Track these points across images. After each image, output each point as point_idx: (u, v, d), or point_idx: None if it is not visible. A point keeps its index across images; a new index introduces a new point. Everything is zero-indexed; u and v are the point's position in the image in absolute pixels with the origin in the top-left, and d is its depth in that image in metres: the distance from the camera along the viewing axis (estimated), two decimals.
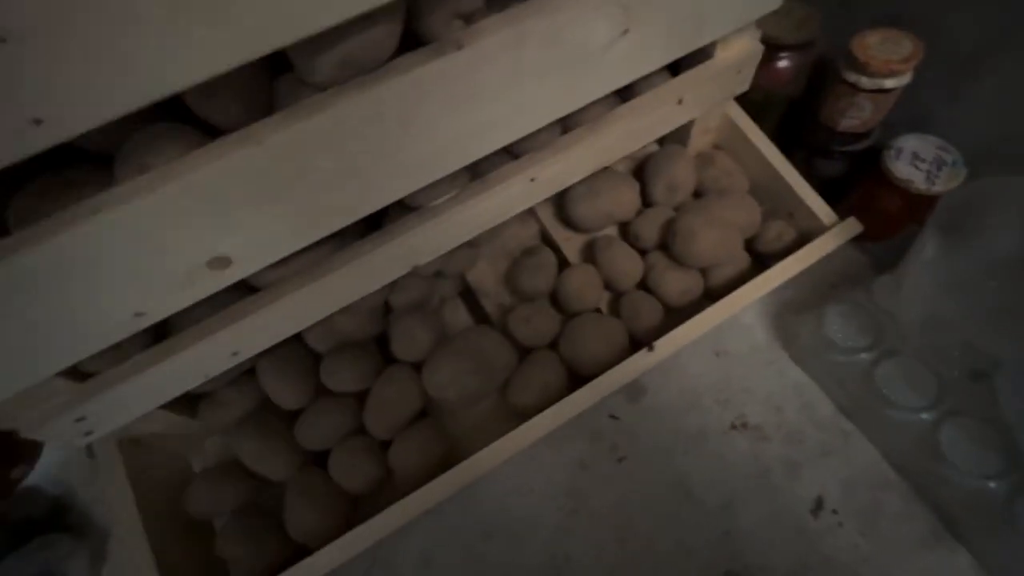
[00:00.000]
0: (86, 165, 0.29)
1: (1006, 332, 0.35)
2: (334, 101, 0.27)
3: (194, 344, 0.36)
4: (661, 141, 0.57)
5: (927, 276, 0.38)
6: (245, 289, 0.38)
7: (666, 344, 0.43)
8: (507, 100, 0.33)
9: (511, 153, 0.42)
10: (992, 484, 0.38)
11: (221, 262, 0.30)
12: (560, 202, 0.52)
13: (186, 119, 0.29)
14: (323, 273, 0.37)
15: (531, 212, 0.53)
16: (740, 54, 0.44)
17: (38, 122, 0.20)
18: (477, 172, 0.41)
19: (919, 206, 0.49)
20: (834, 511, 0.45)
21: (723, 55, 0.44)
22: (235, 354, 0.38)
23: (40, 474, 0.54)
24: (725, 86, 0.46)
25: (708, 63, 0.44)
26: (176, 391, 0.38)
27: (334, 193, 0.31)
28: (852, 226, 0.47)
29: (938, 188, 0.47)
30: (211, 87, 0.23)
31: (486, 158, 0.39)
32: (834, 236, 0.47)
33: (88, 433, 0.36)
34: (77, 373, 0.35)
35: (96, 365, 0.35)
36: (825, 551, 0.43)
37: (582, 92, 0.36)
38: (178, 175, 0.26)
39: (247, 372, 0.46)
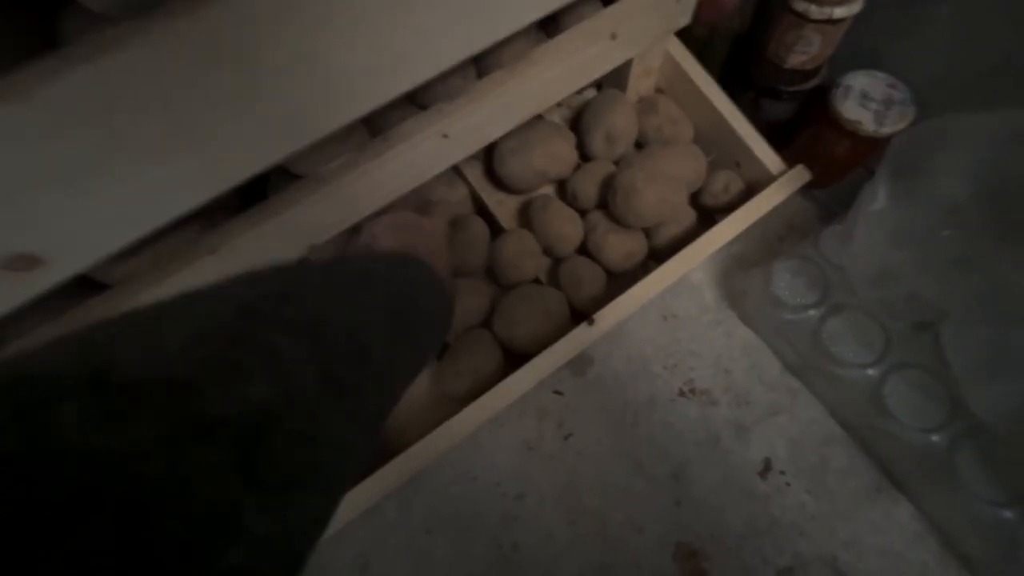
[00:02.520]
0: None
1: (958, 283, 0.33)
2: (132, 36, 0.19)
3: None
4: (599, 87, 0.51)
5: (877, 226, 0.35)
6: (93, 288, 0.31)
7: (609, 315, 0.40)
8: (398, 30, 0.26)
9: (417, 104, 0.35)
10: (934, 437, 0.38)
11: (25, 261, 0.23)
12: (489, 159, 0.45)
13: None
14: (188, 261, 0.30)
15: (457, 172, 0.47)
16: None
17: None
18: (376, 129, 0.34)
19: (867, 149, 0.46)
20: (781, 472, 0.44)
21: None
22: None
23: None
24: (664, 17, 0.40)
25: None
26: None
27: (167, 165, 0.24)
28: (800, 175, 0.44)
29: (887, 129, 0.44)
30: None
31: (386, 111, 0.32)
32: (782, 186, 0.44)
33: None
34: None
35: None
36: (774, 512, 0.43)
37: (495, 20, 0.30)
38: None
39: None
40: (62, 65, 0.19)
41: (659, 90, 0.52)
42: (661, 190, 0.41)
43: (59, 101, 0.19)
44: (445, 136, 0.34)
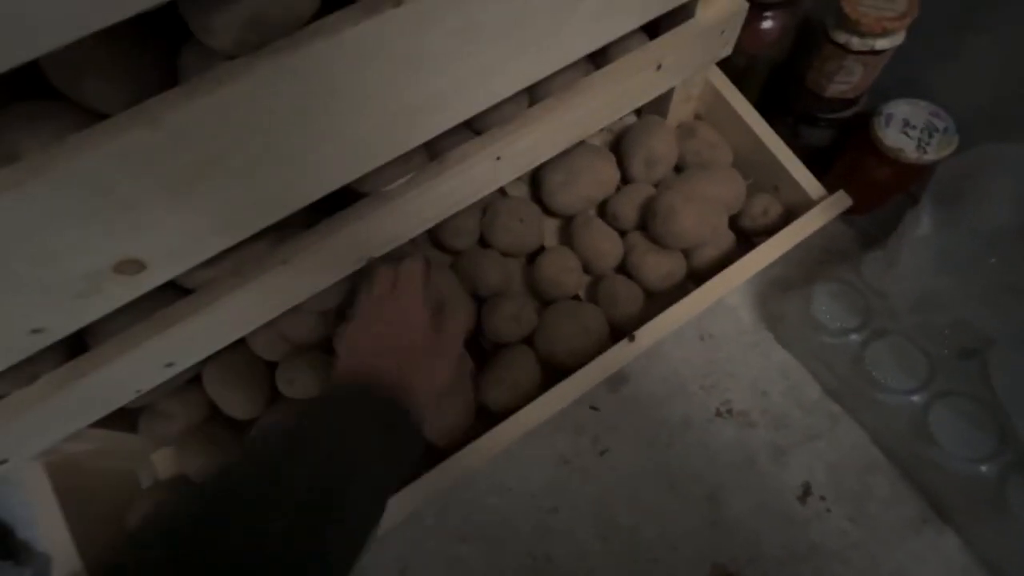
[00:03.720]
0: None
1: (1005, 309, 0.33)
2: (243, 71, 0.22)
3: (118, 357, 0.31)
4: (639, 112, 0.53)
5: (922, 252, 0.36)
6: (177, 291, 0.34)
7: (647, 334, 0.41)
8: (460, 66, 0.28)
9: (473, 129, 0.38)
10: (983, 468, 0.37)
11: (132, 265, 0.26)
12: (535, 183, 0.48)
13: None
14: (263, 270, 0.33)
15: (502, 191, 0.49)
16: (723, 13, 0.40)
17: None
18: (435, 152, 0.36)
19: (909, 176, 0.46)
20: (822, 497, 0.43)
21: (705, 14, 0.39)
22: (169, 365, 0.34)
23: None
24: (707, 49, 0.42)
25: (689, 23, 0.40)
26: (104, 409, 0.34)
27: (259, 182, 0.26)
28: (841, 200, 0.44)
29: (929, 157, 0.44)
30: (75, 63, 0.19)
31: (445, 136, 0.35)
32: (823, 211, 0.44)
33: (3, 461, 0.32)
34: None
35: (1, 388, 0.30)
36: (813, 538, 0.42)
37: (548, 56, 0.32)
38: (57, 164, 0.21)
39: (192, 381, 0.41)
40: (187, 95, 0.22)
41: (698, 116, 0.53)
42: (700, 211, 0.42)
43: (181, 127, 0.22)
44: (498, 158, 0.37)
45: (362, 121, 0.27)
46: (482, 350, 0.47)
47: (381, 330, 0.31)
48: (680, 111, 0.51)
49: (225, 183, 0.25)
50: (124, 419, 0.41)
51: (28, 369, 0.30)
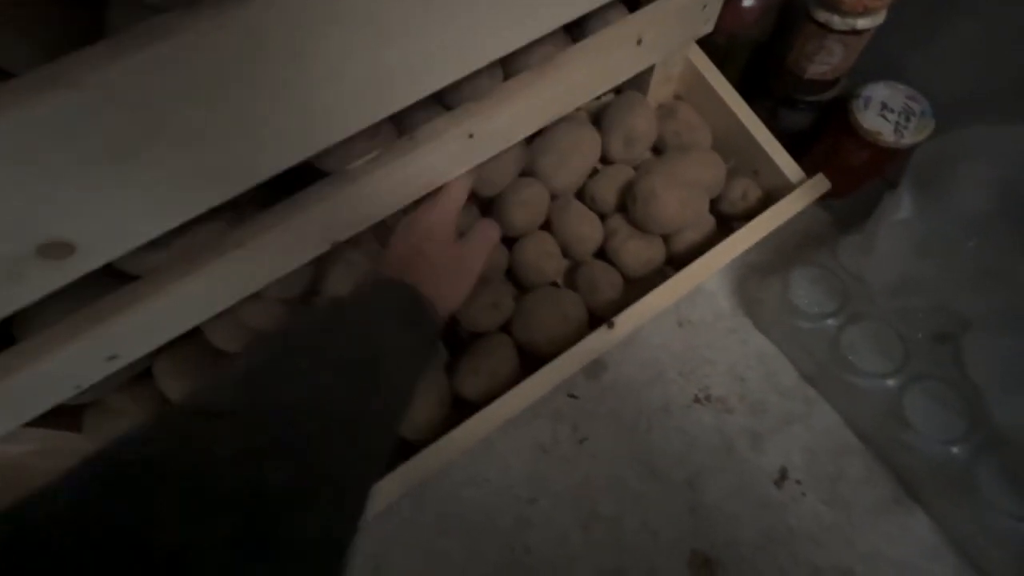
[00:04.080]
0: None
1: (983, 293, 0.33)
2: (180, 26, 0.19)
3: (53, 350, 0.28)
4: (617, 92, 0.51)
5: (900, 236, 0.36)
6: (120, 278, 0.31)
7: (627, 320, 0.40)
8: (434, 31, 0.26)
9: (443, 105, 0.35)
10: (954, 449, 0.37)
11: (60, 249, 0.23)
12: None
13: None
14: (216, 255, 0.30)
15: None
16: None
17: None
18: (404, 127, 0.34)
19: (886, 159, 0.46)
20: (797, 481, 0.44)
21: None
22: (112, 358, 0.31)
23: None
24: (689, 24, 0.41)
25: None
26: (38, 408, 0.31)
27: (205, 154, 0.24)
28: (820, 184, 0.44)
29: (907, 140, 0.44)
30: None
31: (414, 111, 0.32)
32: (802, 195, 0.44)
33: None
34: None
35: None
36: (789, 522, 0.42)
37: (523, 24, 0.30)
38: None
39: (144, 374, 0.39)
40: (113, 52, 0.19)
41: (678, 97, 0.52)
42: (682, 196, 0.41)
43: (107, 88, 0.19)
44: (471, 136, 0.35)
45: (322, 87, 0.25)
46: (458, 339, 0.45)
47: (414, 241, 0.34)
48: (660, 91, 0.49)
49: (165, 155, 0.23)
50: (69, 416, 0.38)
51: None
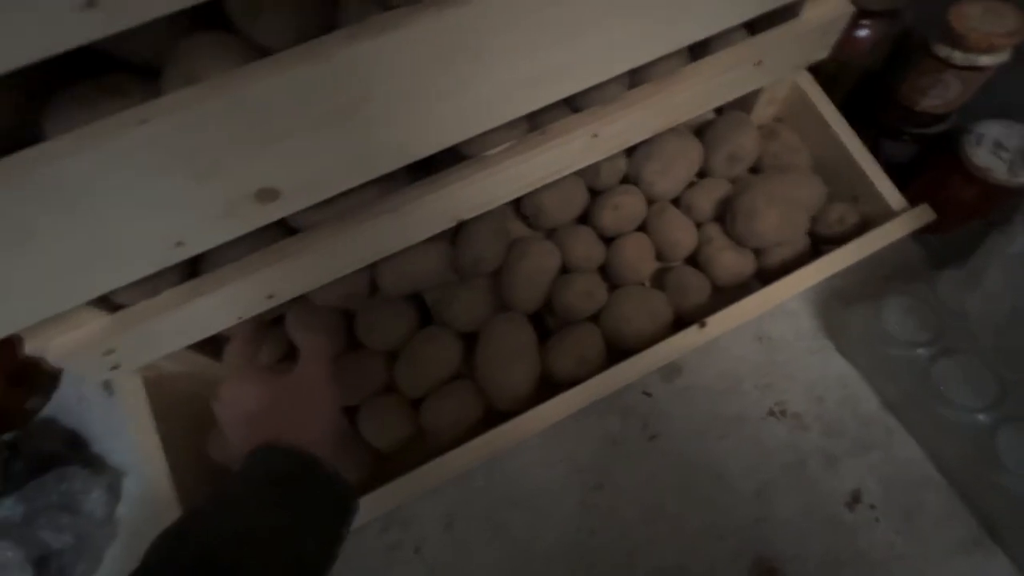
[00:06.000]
0: (127, 74, 0.26)
1: None
2: (411, 19, 0.24)
3: (230, 283, 0.34)
4: (718, 110, 0.53)
5: (1014, 271, 0.36)
6: (284, 229, 0.36)
7: (717, 323, 0.41)
8: (587, 40, 0.30)
9: (572, 106, 0.39)
10: None
11: (269, 194, 0.28)
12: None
13: None
14: (370, 217, 0.35)
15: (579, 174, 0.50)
16: (828, 15, 0.40)
17: (92, 3, 0.18)
18: (535, 123, 0.38)
19: (995, 197, 0.46)
20: (871, 506, 0.43)
21: (811, 14, 0.40)
22: (270, 297, 0.36)
23: (56, 407, 0.54)
24: (807, 50, 0.42)
25: (793, 22, 0.40)
26: (208, 331, 0.36)
27: (393, 128, 0.28)
28: (924, 213, 0.44)
29: (1020, 179, 0.44)
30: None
31: (546, 109, 0.36)
32: (903, 223, 0.44)
33: (115, 367, 0.35)
34: (110, 304, 0.33)
35: (129, 297, 0.33)
36: (859, 545, 0.42)
37: (653, 43, 0.33)
38: (234, 88, 0.23)
39: (276, 319, 0.44)
40: (353, 37, 0.23)
41: (778, 119, 0.53)
42: (782, 213, 0.43)
43: (349, 62, 0.24)
44: (595, 136, 0.38)
45: (491, 82, 0.29)
46: (545, 327, 0.48)
47: (243, 408, 0.30)
48: (763, 112, 0.51)
49: (364, 125, 0.27)
50: (211, 347, 0.44)
51: (153, 283, 0.33)
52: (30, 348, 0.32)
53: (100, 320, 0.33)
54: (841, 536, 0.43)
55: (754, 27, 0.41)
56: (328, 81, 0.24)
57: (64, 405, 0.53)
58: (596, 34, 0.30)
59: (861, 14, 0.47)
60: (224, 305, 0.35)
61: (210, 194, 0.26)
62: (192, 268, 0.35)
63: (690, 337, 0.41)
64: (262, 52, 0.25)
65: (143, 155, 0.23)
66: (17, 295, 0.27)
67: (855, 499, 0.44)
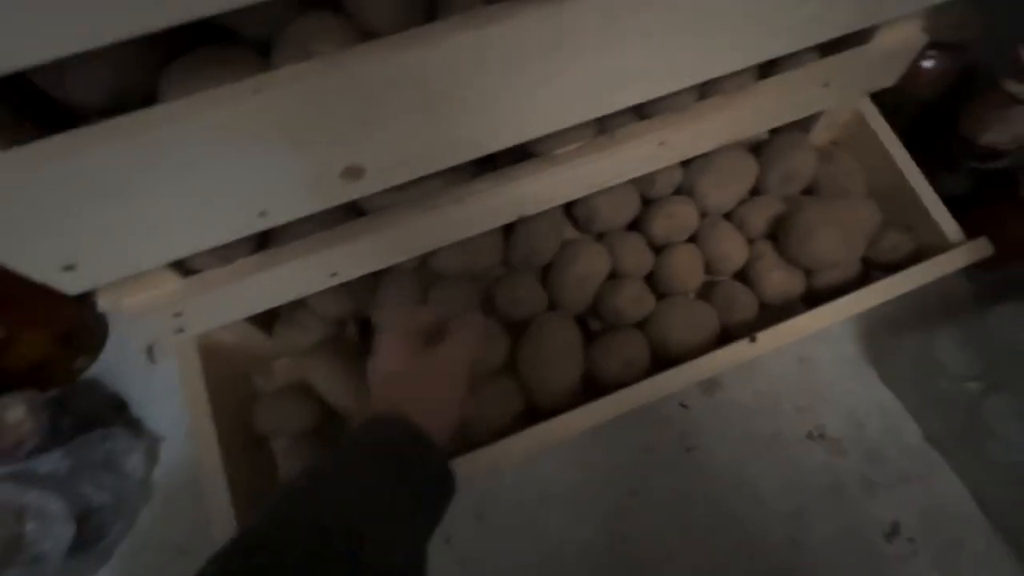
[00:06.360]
0: (239, 48, 0.27)
1: None
2: (517, 12, 0.24)
3: (298, 258, 0.35)
4: (774, 130, 0.54)
5: None
6: (351, 211, 0.37)
7: (767, 339, 0.41)
8: (652, 54, 0.30)
9: (640, 114, 0.39)
10: None
11: (355, 172, 0.29)
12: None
13: None
14: (436, 206, 0.35)
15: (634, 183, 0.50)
16: (900, 43, 0.41)
17: None
18: (604, 127, 0.38)
19: None
20: (910, 539, 0.43)
21: (883, 40, 0.40)
22: (334, 275, 0.37)
23: (100, 369, 0.55)
24: (875, 76, 0.43)
25: (864, 47, 0.40)
26: (270, 303, 0.37)
27: (481, 118, 0.29)
28: (982, 247, 0.44)
29: None
30: None
31: (615, 114, 0.37)
32: (960, 255, 0.44)
33: (180, 330, 0.36)
34: (183, 268, 0.34)
35: (203, 263, 0.34)
36: None
37: (754, 50, 0.34)
38: (346, 66, 0.24)
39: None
40: (459, 25, 0.24)
41: (833, 143, 0.53)
42: (841, 234, 0.43)
43: (449, 53, 0.25)
44: (661, 144, 0.38)
45: (579, 79, 0.29)
46: (587, 330, 0.49)
47: (390, 374, 0.31)
48: (820, 135, 0.51)
49: (455, 113, 0.28)
50: (263, 321, 0.45)
51: (228, 251, 0.34)
52: (103, 304, 0.33)
53: (173, 283, 0.34)
54: (878, 565, 0.42)
55: (825, 49, 0.42)
56: (433, 67, 0.25)
57: (108, 369, 0.55)
58: (684, 41, 0.30)
59: (929, 45, 0.47)
60: (290, 279, 0.36)
61: (302, 167, 0.27)
62: (261, 241, 0.36)
63: (739, 351, 0.41)
64: (366, 35, 0.26)
65: (252, 124, 0.24)
66: (107, 251, 0.28)
67: (894, 530, 0.43)
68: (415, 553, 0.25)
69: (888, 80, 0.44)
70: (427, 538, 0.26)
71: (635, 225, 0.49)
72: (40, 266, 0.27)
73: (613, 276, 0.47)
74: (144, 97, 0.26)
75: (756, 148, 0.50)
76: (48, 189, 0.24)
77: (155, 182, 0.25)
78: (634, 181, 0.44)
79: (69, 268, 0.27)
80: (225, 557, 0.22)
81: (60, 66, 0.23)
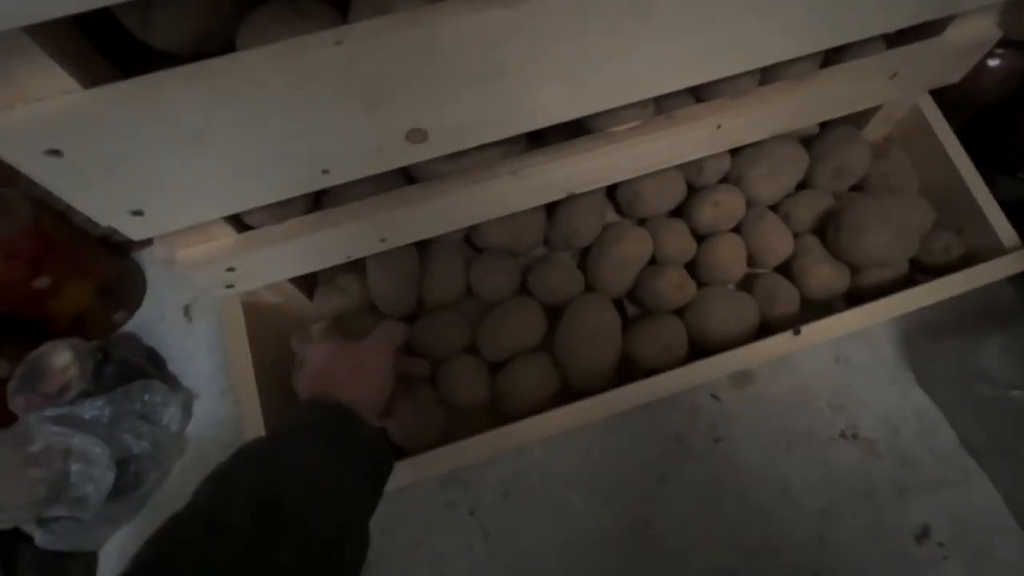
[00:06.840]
0: (317, 1, 0.27)
1: None
2: None
3: (352, 221, 0.35)
4: (824, 124, 0.52)
5: None
6: (404, 176, 0.37)
7: (810, 333, 0.41)
8: (713, 35, 0.29)
9: (696, 97, 0.39)
10: None
11: (419, 135, 0.29)
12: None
13: None
14: (492, 176, 0.35)
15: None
16: (972, 38, 0.39)
17: None
18: (661, 107, 0.38)
19: None
20: (940, 544, 0.42)
21: (956, 33, 0.39)
22: (383, 240, 0.37)
23: (137, 324, 0.56)
24: (943, 70, 0.41)
25: (935, 40, 0.39)
26: (320, 264, 0.38)
27: (546, 88, 0.29)
28: None
29: None
30: None
31: (672, 95, 0.36)
32: (1015, 261, 0.43)
33: (230, 285, 0.36)
34: (239, 223, 0.34)
35: (258, 219, 0.34)
36: None
37: (822, 33, 0.33)
38: (426, 22, 0.24)
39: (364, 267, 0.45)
40: None
41: (887, 139, 0.52)
42: (895, 231, 0.42)
43: (531, 15, 0.24)
44: (719, 127, 0.38)
45: (649, 54, 0.29)
46: (624, 314, 0.48)
47: (316, 370, 0.34)
48: (875, 131, 0.50)
49: (524, 81, 0.28)
50: (306, 284, 0.45)
51: (283, 209, 0.34)
52: (159, 254, 0.34)
53: (229, 237, 0.34)
54: (907, 568, 0.42)
55: (892, 40, 0.40)
56: (511, 29, 0.24)
57: (145, 324, 0.56)
58: (757, 18, 0.29)
59: (997, 43, 0.45)
60: (341, 241, 0.36)
61: (370, 126, 0.27)
62: (315, 201, 0.36)
63: (781, 343, 0.40)
64: None
65: (329, 76, 0.24)
66: (175, 198, 0.28)
67: (924, 534, 0.43)
68: (353, 515, 0.27)
69: (956, 76, 0.43)
70: (365, 500, 0.29)
71: (677, 212, 0.48)
72: (110, 209, 0.27)
73: (653, 262, 0.47)
74: (223, 44, 0.26)
75: (806, 142, 0.49)
76: (125, 131, 0.24)
77: (230, 131, 0.25)
78: (682, 167, 0.44)
79: (137, 213, 0.28)
80: (174, 523, 0.23)
81: (146, 6, 0.24)
